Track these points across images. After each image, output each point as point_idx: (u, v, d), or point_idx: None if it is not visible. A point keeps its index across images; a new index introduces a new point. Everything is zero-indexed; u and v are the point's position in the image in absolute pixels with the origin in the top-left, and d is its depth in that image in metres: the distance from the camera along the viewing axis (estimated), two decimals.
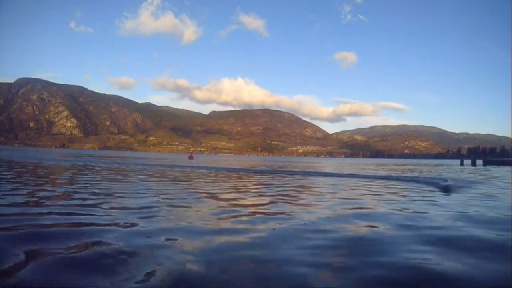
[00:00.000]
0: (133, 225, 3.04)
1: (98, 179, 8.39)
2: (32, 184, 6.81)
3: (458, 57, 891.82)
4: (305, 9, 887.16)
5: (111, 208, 3.97)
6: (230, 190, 6.69)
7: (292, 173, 13.91)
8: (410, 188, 7.73)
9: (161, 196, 5.31)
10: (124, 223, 3.13)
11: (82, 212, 3.57)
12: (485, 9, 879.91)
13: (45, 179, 8.04)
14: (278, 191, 6.56)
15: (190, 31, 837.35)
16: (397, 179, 11.32)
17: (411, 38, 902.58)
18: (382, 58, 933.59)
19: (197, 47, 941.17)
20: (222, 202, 4.82)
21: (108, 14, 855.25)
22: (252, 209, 4.23)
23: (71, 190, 5.82)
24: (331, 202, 5.06)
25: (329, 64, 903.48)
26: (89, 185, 6.66)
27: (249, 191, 6.45)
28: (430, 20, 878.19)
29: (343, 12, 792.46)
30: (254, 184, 8.11)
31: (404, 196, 6.07)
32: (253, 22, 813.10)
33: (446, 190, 6.96)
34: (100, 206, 4.06)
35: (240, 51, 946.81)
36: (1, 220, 3.14)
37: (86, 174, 9.93)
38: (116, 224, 3.04)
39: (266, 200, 5.19)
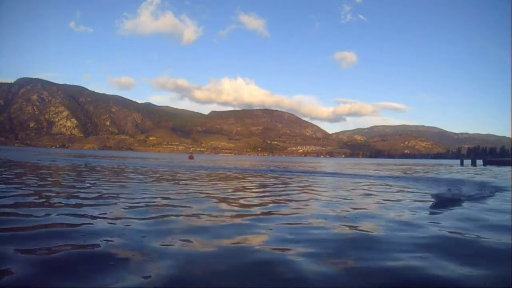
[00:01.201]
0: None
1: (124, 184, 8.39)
2: (49, 189, 6.78)
3: (458, 57, 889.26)
4: (305, 9, 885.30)
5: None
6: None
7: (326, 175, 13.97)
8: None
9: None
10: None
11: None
12: (485, 9, 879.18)
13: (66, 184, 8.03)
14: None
15: (190, 31, 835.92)
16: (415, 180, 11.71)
17: (410, 38, 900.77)
18: (382, 58, 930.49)
19: (197, 47, 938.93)
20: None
21: (108, 14, 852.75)
22: None
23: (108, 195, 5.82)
24: None
25: (329, 64, 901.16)
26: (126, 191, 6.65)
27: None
28: (430, 20, 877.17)
29: (343, 12, 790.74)
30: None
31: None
32: (253, 22, 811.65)
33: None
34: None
35: (240, 51, 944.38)
36: (24, 238, 2.75)
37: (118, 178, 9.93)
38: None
39: None
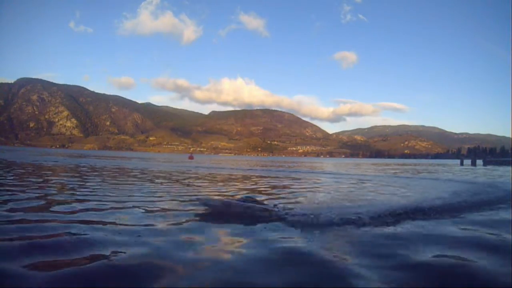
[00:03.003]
0: None
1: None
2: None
3: (458, 57, 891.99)
4: (305, 9, 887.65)
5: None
6: None
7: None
8: None
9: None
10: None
11: None
12: (485, 9, 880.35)
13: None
14: None
15: (189, 31, 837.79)
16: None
17: (411, 38, 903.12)
18: (382, 58, 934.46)
19: (196, 47, 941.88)
20: None
21: (107, 14, 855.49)
22: None
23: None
24: None
25: (329, 64, 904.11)
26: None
27: None
28: (430, 20, 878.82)
29: (343, 12, 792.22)
30: None
31: None
32: (253, 21, 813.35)
33: None
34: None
35: (240, 51, 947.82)
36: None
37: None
38: None
39: None
